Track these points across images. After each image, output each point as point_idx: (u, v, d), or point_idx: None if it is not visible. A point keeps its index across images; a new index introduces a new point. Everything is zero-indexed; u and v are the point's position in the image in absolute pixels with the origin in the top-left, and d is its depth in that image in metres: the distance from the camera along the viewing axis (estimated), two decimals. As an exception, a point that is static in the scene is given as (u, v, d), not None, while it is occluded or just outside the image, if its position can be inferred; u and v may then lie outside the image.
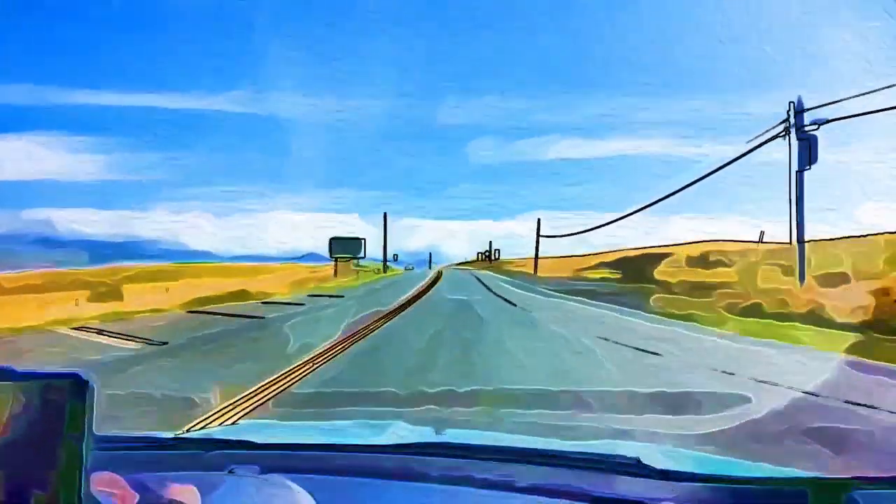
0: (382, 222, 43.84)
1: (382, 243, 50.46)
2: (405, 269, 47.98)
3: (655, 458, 1.90)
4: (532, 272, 44.19)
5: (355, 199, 40.09)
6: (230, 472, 1.77)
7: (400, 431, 2.26)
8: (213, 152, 31.04)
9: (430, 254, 48.20)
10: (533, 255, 49.22)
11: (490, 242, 51.39)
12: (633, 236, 45.77)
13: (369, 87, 29.26)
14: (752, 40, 26.19)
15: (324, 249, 40.49)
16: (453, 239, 43.65)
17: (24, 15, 25.18)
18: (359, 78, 29.38)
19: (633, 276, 33.94)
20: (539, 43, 31.96)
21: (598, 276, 37.75)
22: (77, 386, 1.22)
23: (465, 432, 2.79)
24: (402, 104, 32.50)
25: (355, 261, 43.28)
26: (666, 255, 41.41)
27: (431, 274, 43.46)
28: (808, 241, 24.69)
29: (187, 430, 4.32)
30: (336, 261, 42.19)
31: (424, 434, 2.41)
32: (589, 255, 45.54)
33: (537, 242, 43.76)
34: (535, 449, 2.09)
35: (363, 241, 41.85)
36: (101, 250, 24.12)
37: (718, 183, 29.00)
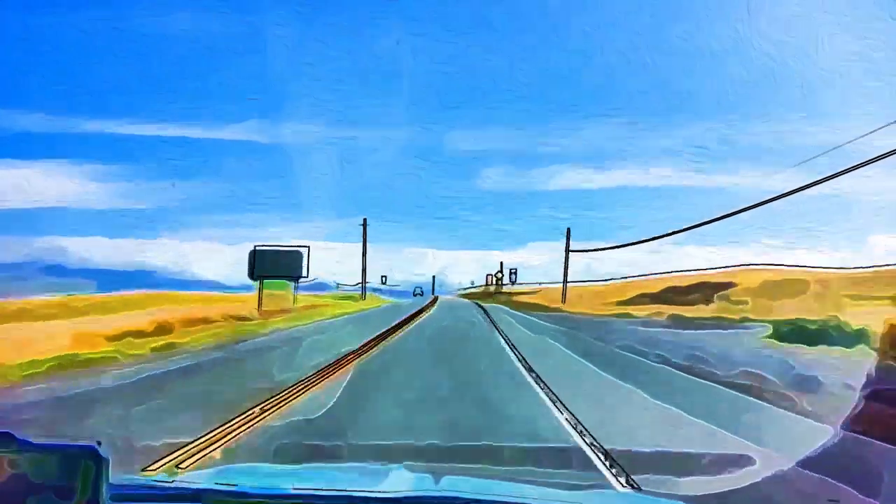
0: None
1: (362, 263, 41.39)
2: (414, 295, 42.41)
3: None
4: (555, 305, 35.41)
5: (358, 227, 36.92)
6: None
7: (399, 479, 2.33)
8: (224, 181, 31.57)
9: (434, 276, 42.76)
10: (548, 283, 40.63)
11: (501, 263, 42.47)
12: (645, 263, 39.71)
13: (378, 115, 29.29)
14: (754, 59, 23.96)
15: (331, 277, 36.67)
16: (460, 265, 40.80)
17: (33, 44, 25.71)
18: (368, 107, 29.26)
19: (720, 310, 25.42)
20: (548, 69, 30.34)
21: (647, 312, 29.21)
22: (92, 457, 1.32)
23: (465, 482, 2.67)
24: (411, 132, 31.45)
25: (294, 284, 30.39)
26: (727, 285, 33.27)
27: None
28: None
29: (184, 469, 5.23)
30: (261, 285, 28.88)
31: (424, 483, 2.35)
32: (624, 281, 37.18)
33: (566, 261, 35.08)
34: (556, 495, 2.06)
35: (303, 255, 28.99)
36: (109, 278, 24.91)
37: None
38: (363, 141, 32.49)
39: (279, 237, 34.62)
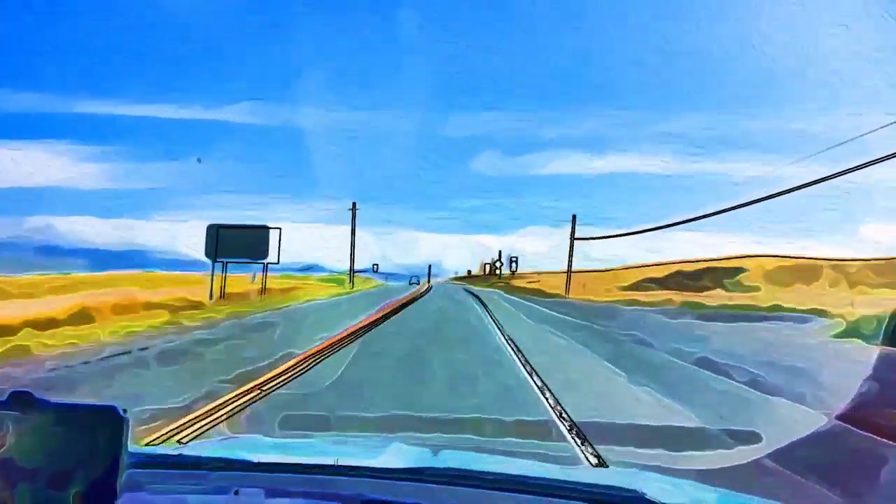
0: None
1: (350, 248, 39.04)
2: (410, 283, 40.09)
3: (661, 491, 1.88)
4: (556, 291, 33.44)
5: (362, 213, 34.94)
6: (236, 492, 1.81)
7: (399, 452, 2.32)
8: (221, 161, 31.39)
9: (430, 266, 40.25)
10: (548, 270, 38.63)
11: (500, 252, 40.28)
12: (641, 250, 38.50)
13: (380, 101, 29.97)
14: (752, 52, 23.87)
15: (327, 260, 33.72)
16: (455, 250, 38.84)
17: (31, 24, 25.27)
18: (370, 94, 30.11)
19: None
20: (544, 59, 30.66)
21: (660, 299, 27.33)
22: (113, 417, 1.30)
23: (465, 456, 2.48)
24: (413, 118, 31.23)
25: (257, 267, 26.62)
26: (736, 270, 31.61)
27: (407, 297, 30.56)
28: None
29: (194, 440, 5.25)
30: (223, 267, 25.00)
31: (423, 457, 2.33)
32: (627, 268, 35.33)
33: (571, 248, 33.09)
34: (540, 478, 2.04)
35: (270, 235, 25.60)
36: (101, 258, 24.82)
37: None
38: (367, 127, 31.87)
39: (279, 219, 32.98)
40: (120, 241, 27.56)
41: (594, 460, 5.53)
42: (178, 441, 5.70)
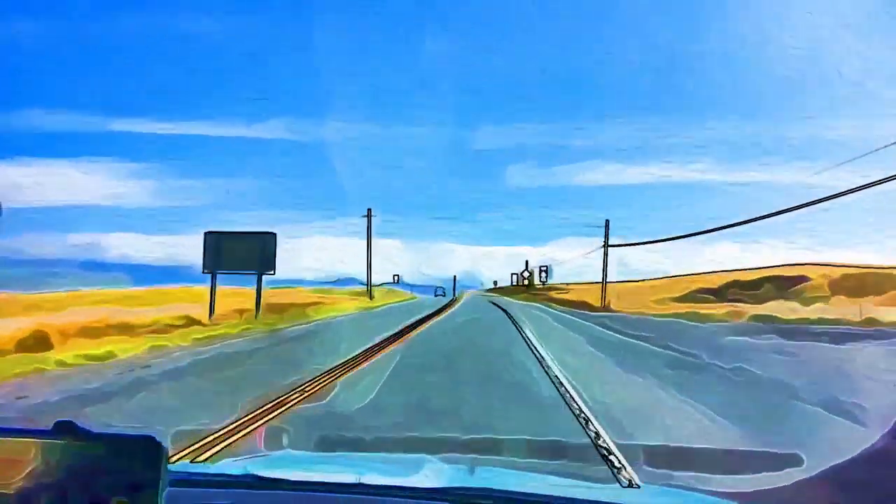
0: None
1: (367, 259, 36.66)
2: (436, 295, 39.57)
3: None
4: (597, 304, 30.77)
5: (393, 225, 36.23)
6: None
7: (431, 470, 2.29)
8: (256, 178, 32.44)
9: (454, 276, 39.54)
10: (579, 282, 35.92)
11: (526, 262, 37.84)
12: (676, 259, 37.01)
13: (410, 116, 29.90)
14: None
15: (362, 273, 33.55)
16: (486, 261, 38.46)
17: (72, 46, 26.85)
18: (399, 107, 30.47)
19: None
20: (573, 68, 30.64)
21: (722, 311, 24.57)
22: (152, 444, 1.33)
23: (498, 474, 2.56)
24: (444, 132, 31.89)
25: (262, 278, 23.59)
26: (798, 279, 28.88)
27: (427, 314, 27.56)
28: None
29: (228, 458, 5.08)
30: (212, 280, 22.35)
31: (456, 475, 2.34)
32: (673, 277, 32.64)
33: (605, 256, 30.41)
34: (572, 498, 2.02)
35: (275, 240, 22.78)
36: (144, 273, 26.28)
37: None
38: (397, 142, 32.03)
39: (313, 232, 34.25)
40: (162, 257, 28.12)
41: (625, 481, 5.36)
42: (207, 460, 5.53)
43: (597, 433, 6.36)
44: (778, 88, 28.26)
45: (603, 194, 36.08)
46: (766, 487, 4.67)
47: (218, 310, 21.60)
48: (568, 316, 25.91)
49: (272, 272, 23.14)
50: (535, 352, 13.02)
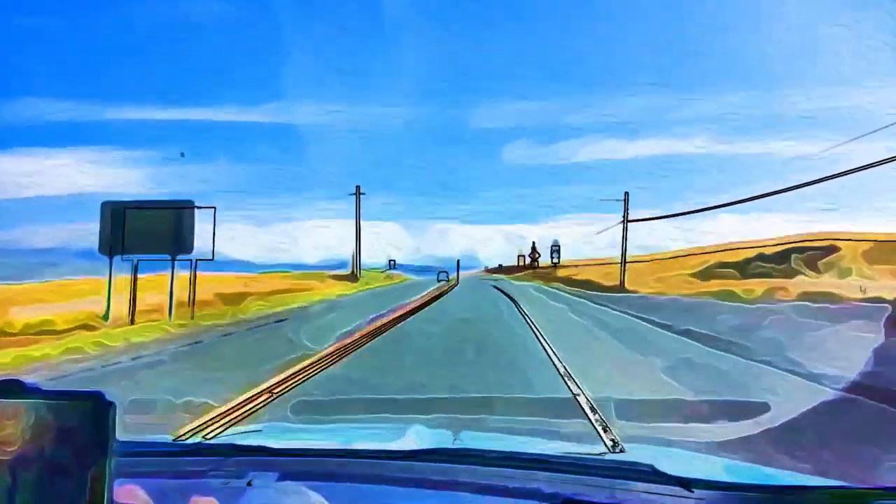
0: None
1: (355, 241, 33.83)
2: (438, 280, 38.08)
3: (671, 464, 1.86)
4: (609, 284, 28.18)
5: (389, 207, 35.78)
6: (249, 483, 1.78)
7: (418, 436, 2.27)
8: (251, 163, 33.21)
9: (458, 260, 37.69)
10: (587, 259, 33.27)
11: (533, 243, 35.29)
12: (684, 234, 35.66)
13: (400, 93, 29.21)
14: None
15: (365, 255, 32.88)
16: (488, 242, 36.43)
17: (67, 34, 26.48)
18: (390, 85, 29.09)
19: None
20: (568, 45, 30.49)
21: (762, 289, 22.12)
22: (100, 405, 1.30)
23: (483, 436, 2.69)
24: (433, 109, 31.77)
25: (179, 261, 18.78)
26: (828, 250, 26.66)
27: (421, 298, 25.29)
28: None
29: (210, 433, 5.33)
30: (110, 267, 18.07)
31: (442, 438, 2.40)
32: (689, 254, 30.20)
33: (625, 231, 27.78)
34: (553, 456, 2.08)
35: (193, 216, 18.61)
36: (144, 262, 23.58)
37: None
38: (386, 119, 31.46)
39: (312, 215, 33.41)
40: None
41: (610, 443, 5.40)
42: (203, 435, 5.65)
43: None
44: (790, 58, 27.62)
45: (605, 171, 34.62)
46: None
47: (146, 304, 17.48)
48: (591, 303, 23.13)
49: (188, 253, 18.53)
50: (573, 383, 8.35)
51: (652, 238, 35.12)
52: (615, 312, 19.54)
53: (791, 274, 25.80)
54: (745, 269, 27.10)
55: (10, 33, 23.91)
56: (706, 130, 32.18)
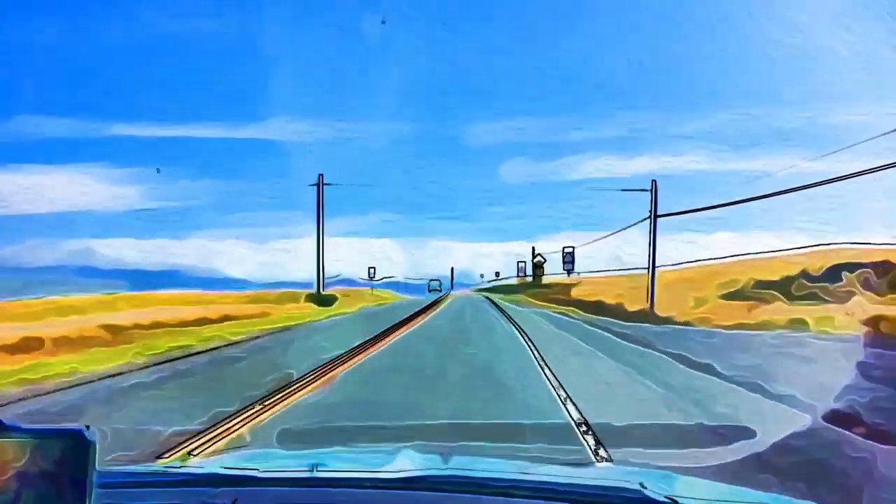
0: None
1: (316, 248, 29.94)
2: (430, 290, 38.41)
3: (660, 485, 1.85)
4: (631, 307, 24.30)
5: (385, 225, 37.53)
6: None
7: (407, 460, 2.25)
8: (253, 181, 32.51)
9: (452, 273, 38.60)
10: (587, 272, 29.29)
11: (533, 249, 32.05)
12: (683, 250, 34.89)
13: (395, 111, 29.03)
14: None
15: (362, 273, 33.76)
16: (485, 259, 36.41)
17: (57, 52, 26.08)
18: (387, 107, 28.72)
19: None
20: (562, 65, 31.16)
21: (842, 319, 18.60)
22: (80, 441, 1.31)
23: (474, 461, 2.62)
24: (429, 126, 32.21)
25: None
26: (883, 266, 23.56)
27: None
28: None
29: (194, 456, 5.21)
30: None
31: (432, 463, 2.34)
32: (700, 266, 26.66)
33: (653, 233, 24.02)
34: (542, 482, 2.05)
35: None
36: (140, 278, 26.22)
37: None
38: (380, 136, 32.01)
39: (307, 234, 31.46)
40: (157, 262, 28.30)
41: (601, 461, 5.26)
42: (189, 454, 5.73)
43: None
44: (781, 76, 27.65)
45: (603, 186, 33.79)
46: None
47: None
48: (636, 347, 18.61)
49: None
50: None
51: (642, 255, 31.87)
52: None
53: (843, 297, 22.57)
54: (787, 289, 23.69)
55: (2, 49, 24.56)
56: (701, 147, 32.38)
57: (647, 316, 22.84)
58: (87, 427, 1.31)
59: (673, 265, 25.66)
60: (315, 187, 28.10)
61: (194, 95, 30.69)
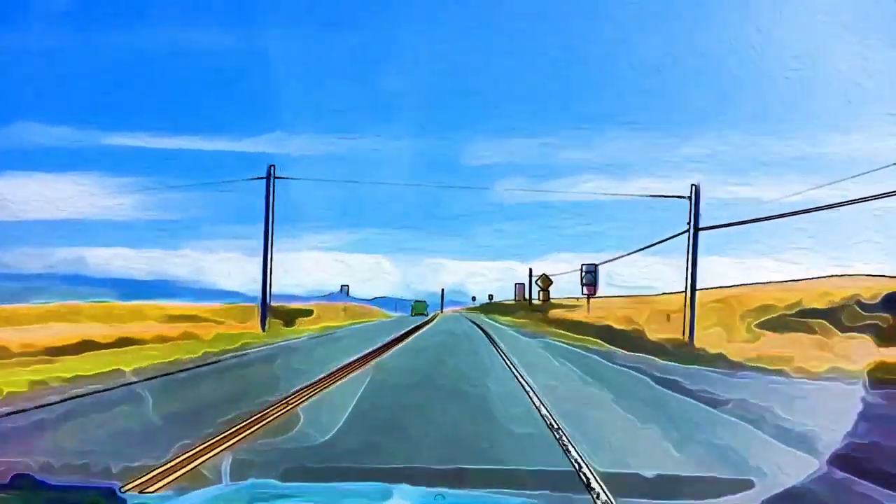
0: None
1: (263, 261, 25.20)
2: (414, 314, 37.28)
3: None
4: (671, 338, 20.22)
5: (380, 241, 35.21)
6: None
7: (404, 497, 2.17)
8: (247, 193, 30.05)
9: (442, 290, 37.55)
10: (581, 297, 25.03)
11: (530, 270, 28.68)
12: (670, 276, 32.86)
13: (391, 128, 28.82)
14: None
15: (355, 287, 34.56)
16: (479, 277, 36.09)
17: (57, 61, 26.84)
18: (380, 120, 29.82)
19: None
20: (560, 85, 30.37)
21: None
22: (111, 498, 1.30)
23: (469, 496, 2.51)
24: (424, 144, 32.72)
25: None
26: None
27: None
28: None
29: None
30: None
31: (427, 500, 2.24)
32: (720, 290, 22.97)
33: (694, 242, 20.17)
34: None
35: None
36: (130, 288, 26.37)
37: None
38: (375, 153, 32.34)
39: (306, 248, 33.38)
40: (148, 272, 28.49)
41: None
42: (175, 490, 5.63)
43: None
44: (782, 100, 25.98)
45: (600, 208, 33.19)
46: None
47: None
48: None
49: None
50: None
51: (648, 278, 28.36)
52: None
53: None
54: (838, 318, 20.24)
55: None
56: (697, 172, 30.68)
57: (686, 350, 18.70)
58: (121, 488, 1.31)
59: (701, 288, 21.67)
60: (264, 180, 22.76)
61: (193, 107, 31.08)
